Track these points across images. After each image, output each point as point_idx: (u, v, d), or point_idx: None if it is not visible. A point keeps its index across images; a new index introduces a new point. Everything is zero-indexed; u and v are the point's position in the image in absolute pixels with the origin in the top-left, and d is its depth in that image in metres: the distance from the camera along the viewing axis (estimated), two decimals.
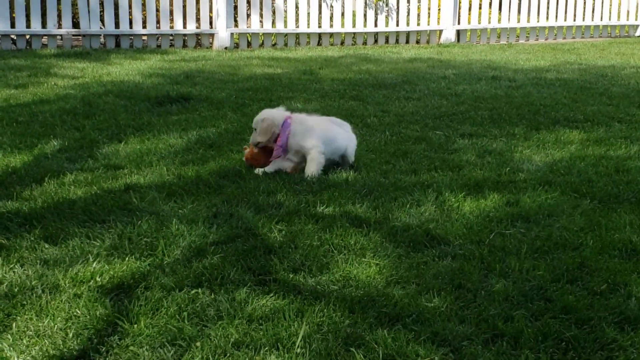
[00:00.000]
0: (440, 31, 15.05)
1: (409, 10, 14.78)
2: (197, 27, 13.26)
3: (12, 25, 11.90)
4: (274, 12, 13.80)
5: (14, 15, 11.93)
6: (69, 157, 5.45)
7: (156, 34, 13.06)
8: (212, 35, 13.35)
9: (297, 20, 14.05)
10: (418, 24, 14.91)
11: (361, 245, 3.87)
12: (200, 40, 13.45)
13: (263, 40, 13.81)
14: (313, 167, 5.06)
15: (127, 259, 3.62)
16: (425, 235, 4.02)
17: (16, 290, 3.29)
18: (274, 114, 5.21)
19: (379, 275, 3.55)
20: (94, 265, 3.52)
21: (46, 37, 12.33)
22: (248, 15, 13.73)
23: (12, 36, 12.02)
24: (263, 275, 3.51)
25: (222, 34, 13.21)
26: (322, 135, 5.14)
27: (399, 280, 3.51)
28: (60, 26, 12.35)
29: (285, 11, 13.88)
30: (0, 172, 5.00)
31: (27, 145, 5.73)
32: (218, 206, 4.42)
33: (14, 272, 3.45)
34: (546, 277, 3.54)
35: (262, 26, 13.72)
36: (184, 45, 13.24)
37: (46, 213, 4.20)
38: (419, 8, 14.85)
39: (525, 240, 3.98)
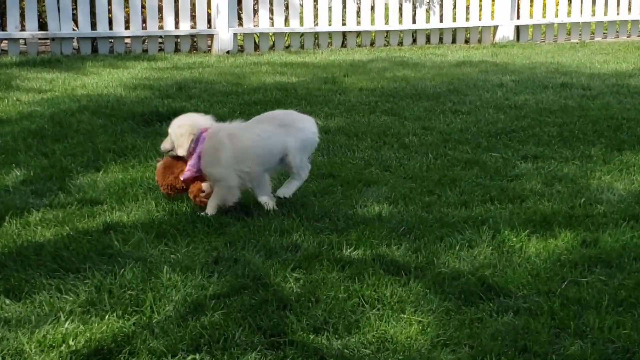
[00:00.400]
0: (495, 27, 15.09)
1: (455, 2, 14.86)
2: (192, 27, 13.41)
3: None
4: (287, 7, 13.92)
5: None
6: (35, 190, 5.50)
7: (142, 36, 13.21)
8: (210, 36, 13.49)
9: (315, 16, 14.16)
10: (467, 19, 14.97)
11: (399, 298, 3.86)
12: (197, 42, 13.59)
13: (274, 42, 13.93)
14: (212, 203, 4.99)
15: (107, 317, 3.64)
16: (480, 284, 4.01)
17: None
18: (197, 120, 5.17)
19: (423, 336, 3.53)
20: (67, 325, 3.54)
21: (6, 41, 12.51)
22: (255, 12, 13.87)
23: None
24: (276, 336, 3.51)
25: (224, 34, 13.34)
26: (237, 156, 4.99)
27: (447, 341, 3.49)
28: (23, 28, 12.53)
29: (301, 5, 14.01)
30: None
31: None
32: (219, 250, 4.45)
33: None
34: (633, 337, 3.50)
35: (272, 24, 13.85)
36: (177, 50, 13.38)
37: (7, 260, 4.23)
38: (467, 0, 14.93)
39: (607, 290, 3.94)
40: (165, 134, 7.09)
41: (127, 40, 13.27)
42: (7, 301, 3.79)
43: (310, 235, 4.65)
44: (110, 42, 13.00)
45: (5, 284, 3.95)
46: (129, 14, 13.02)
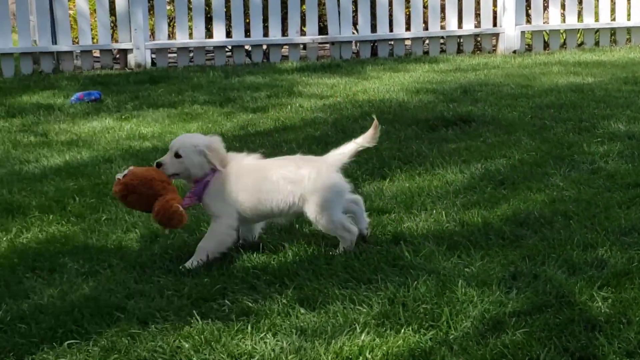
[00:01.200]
0: None
1: None
2: (475, 26, 13.44)
3: (247, 34, 12.82)
4: (580, 2, 13.62)
5: (247, 21, 12.84)
6: None
7: (423, 37, 13.40)
8: (495, 35, 13.46)
9: (612, 10, 13.75)
10: None
11: None
12: (480, 42, 13.60)
13: (565, 39, 13.66)
14: (207, 244, 4.63)
15: (402, 330, 3.74)
16: None
17: None
18: (219, 144, 4.77)
19: None
20: (362, 337, 3.68)
21: (286, 46, 13.13)
22: (545, 8, 13.67)
23: (247, 47, 12.95)
24: (585, 359, 3.47)
25: (510, 32, 13.26)
26: (245, 196, 4.67)
27: None
28: (303, 33, 13.08)
29: None
30: None
31: None
32: (517, 264, 4.43)
33: (265, 342, 3.70)
34: None
35: (563, 20, 13.59)
36: (459, 51, 13.46)
37: (299, 269, 4.46)
38: None
39: None
40: (450, 141, 7.22)
41: (407, 42, 13.52)
42: (302, 310, 3.98)
43: (617, 251, 4.53)
44: (390, 44, 13.30)
45: (299, 293, 4.16)
46: (409, 15, 13.25)
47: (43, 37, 12.10)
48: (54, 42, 12.16)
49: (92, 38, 12.53)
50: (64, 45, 12.14)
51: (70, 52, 12.29)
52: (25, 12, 12.08)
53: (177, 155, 4.67)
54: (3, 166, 6.75)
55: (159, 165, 4.69)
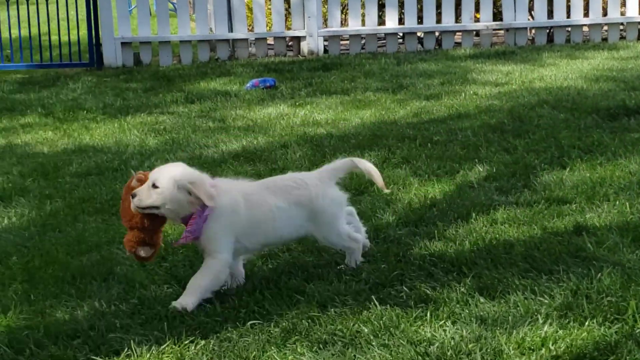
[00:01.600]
0: None
1: None
2: None
3: (419, 21, 12.80)
4: None
5: (420, 7, 12.81)
6: (499, 187, 5.69)
7: (601, 24, 13.04)
8: None
9: None
10: None
11: None
12: None
13: None
14: (201, 281, 4.12)
15: (586, 323, 3.68)
16: None
17: (449, 353, 3.53)
18: (204, 178, 4.22)
19: None
20: (545, 328, 3.64)
21: (459, 33, 13.02)
22: None
23: (419, 34, 12.94)
24: None
25: None
26: (246, 228, 4.23)
27: None
28: (477, 19, 12.95)
29: None
30: (418, 204, 5.41)
31: (447, 172, 6.12)
32: None
33: (444, 330, 3.71)
34: None
35: None
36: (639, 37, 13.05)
37: (477, 258, 4.44)
38: None
39: None
40: (633, 130, 7.02)
41: (585, 29, 13.19)
42: (482, 299, 3.97)
43: None
44: (567, 31, 12.99)
45: (478, 282, 4.15)
46: (587, 1, 12.92)
47: (220, 25, 12.42)
48: (230, 29, 12.47)
49: (266, 26, 12.76)
50: (239, 32, 12.43)
51: (245, 40, 12.57)
52: (203, 1, 12.41)
53: (155, 186, 4.13)
54: (184, 150, 6.99)
55: (133, 196, 4.14)
